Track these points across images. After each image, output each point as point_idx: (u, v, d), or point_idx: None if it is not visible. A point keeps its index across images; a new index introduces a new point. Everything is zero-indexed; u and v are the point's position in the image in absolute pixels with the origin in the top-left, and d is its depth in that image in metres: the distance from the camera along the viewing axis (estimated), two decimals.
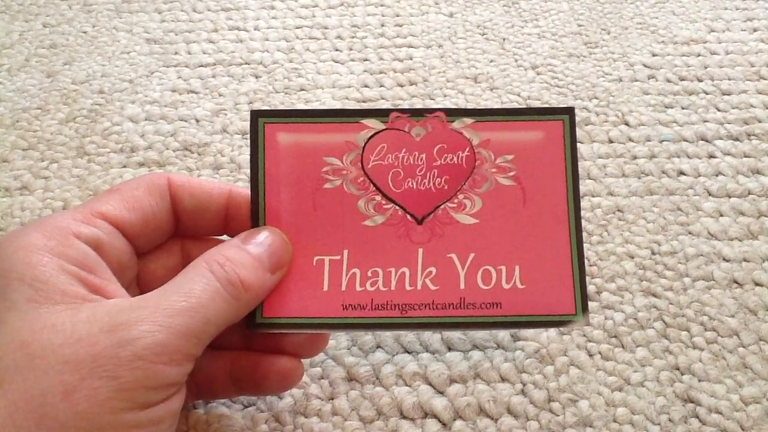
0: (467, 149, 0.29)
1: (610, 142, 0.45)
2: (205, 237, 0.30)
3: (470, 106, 0.47)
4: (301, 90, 0.49)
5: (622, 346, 0.34)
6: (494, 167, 0.29)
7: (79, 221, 0.26)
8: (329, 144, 0.29)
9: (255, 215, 0.28)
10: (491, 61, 0.51)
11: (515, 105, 0.47)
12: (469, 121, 0.29)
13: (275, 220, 0.28)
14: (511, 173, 0.29)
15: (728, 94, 0.48)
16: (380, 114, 0.29)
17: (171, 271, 0.27)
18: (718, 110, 0.47)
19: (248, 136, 0.35)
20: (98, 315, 0.23)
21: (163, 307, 0.23)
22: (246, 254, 0.26)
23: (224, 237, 0.30)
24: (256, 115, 0.29)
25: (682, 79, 0.49)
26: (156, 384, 0.23)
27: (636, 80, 0.49)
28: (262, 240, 0.27)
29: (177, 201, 0.28)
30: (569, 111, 0.29)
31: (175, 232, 0.30)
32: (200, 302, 0.24)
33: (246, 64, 0.51)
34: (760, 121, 0.46)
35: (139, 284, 0.29)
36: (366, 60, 0.52)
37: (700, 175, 0.42)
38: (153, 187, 0.28)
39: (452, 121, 0.29)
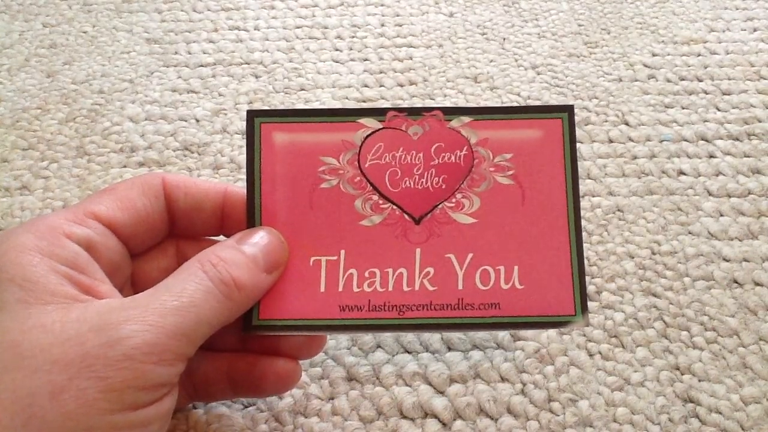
0: (465, 148, 0.29)
1: (610, 142, 0.45)
2: (201, 237, 0.30)
3: (469, 105, 0.47)
4: (301, 90, 0.49)
5: (622, 346, 0.34)
6: (492, 166, 0.29)
7: (71, 221, 0.25)
8: (326, 143, 0.29)
9: (251, 215, 0.28)
10: (491, 61, 0.51)
11: (514, 104, 0.47)
12: (466, 119, 0.29)
13: (271, 220, 0.28)
14: (510, 172, 0.29)
15: (728, 94, 0.48)
16: (377, 113, 0.29)
17: (166, 272, 0.26)
18: (718, 110, 0.46)
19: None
20: (88, 315, 0.23)
21: (154, 307, 0.23)
22: (240, 254, 0.26)
23: (220, 237, 0.30)
24: (252, 115, 0.29)
25: (682, 79, 0.49)
26: (145, 384, 0.22)
27: (636, 80, 0.49)
28: (257, 240, 0.27)
29: (172, 201, 0.28)
30: (568, 109, 0.29)
31: (171, 233, 0.30)
32: (192, 302, 0.24)
33: (246, 64, 0.51)
34: (760, 121, 0.46)
35: (133, 285, 0.29)
36: (366, 60, 0.52)
37: (700, 175, 0.42)
38: (147, 187, 0.28)
39: (450, 120, 0.29)
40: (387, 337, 0.35)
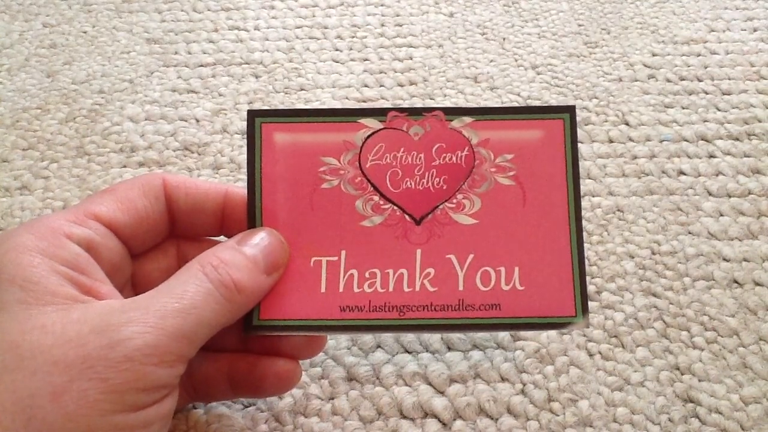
0: (466, 148, 0.29)
1: (610, 141, 0.45)
2: (202, 238, 0.30)
3: (470, 105, 0.47)
4: (301, 90, 0.49)
5: (622, 346, 0.34)
6: (494, 167, 0.29)
7: (71, 222, 0.25)
8: (327, 144, 0.29)
9: (251, 216, 0.28)
10: (491, 61, 0.51)
11: (515, 104, 0.47)
12: (468, 120, 0.29)
13: (272, 220, 0.28)
14: (511, 173, 0.29)
15: (728, 94, 0.48)
16: (378, 113, 0.29)
17: (166, 273, 0.27)
18: (718, 110, 0.47)
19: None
20: (89, 316, 0.23)
21: (155, 309, 0.23)
22: (241, 256, 0.26)
23: (221, 238, 0.30)
24: (253, 115, 0.29)
25: (682, 79, 0.49)
26: (146, 386, 0.22)
27: (636, 80, 0.49)
28: (258, 241, 0.27)
29: (172, 201, 0.28)
30: (570, 109, 0.29)
31: (171, 233, 0.30)
32: (193, 304, 0.24)
33: (246, 64, 0.51)
34: (760, 121, 0.46)
35: (133, 286, 0.29)
36: (366, 60, 0.52)
37: (700, 175, 0.42)
38: (148, 188, 0.28)
39: (451, 120, 0.29)
40: (387, 337, 0.35)
